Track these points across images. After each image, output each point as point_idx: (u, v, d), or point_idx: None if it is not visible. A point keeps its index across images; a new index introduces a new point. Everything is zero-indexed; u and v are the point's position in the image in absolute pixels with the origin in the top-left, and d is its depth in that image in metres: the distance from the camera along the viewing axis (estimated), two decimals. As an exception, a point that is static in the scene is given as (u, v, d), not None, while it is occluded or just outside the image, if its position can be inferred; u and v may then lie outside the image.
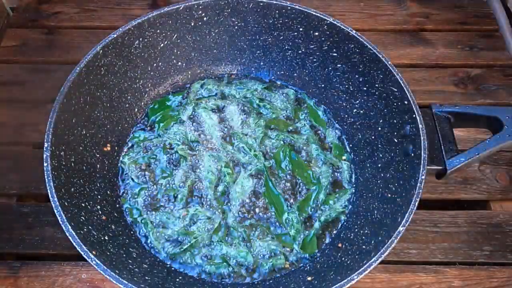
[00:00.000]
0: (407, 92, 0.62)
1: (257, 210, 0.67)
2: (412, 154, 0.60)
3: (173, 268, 0.63)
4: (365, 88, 0.70)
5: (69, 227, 0.53)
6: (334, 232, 0.66)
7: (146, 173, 0.69)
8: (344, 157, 0.72)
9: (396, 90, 0.64)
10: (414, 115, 0.61)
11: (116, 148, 0.71)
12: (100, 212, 0.63)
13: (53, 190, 0.55)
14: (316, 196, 0.68)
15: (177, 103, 0.76)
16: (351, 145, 0.73)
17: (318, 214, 0.67)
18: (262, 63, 0.79)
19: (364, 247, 0.59)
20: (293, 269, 0.63)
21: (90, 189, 0.64)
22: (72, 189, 0.60)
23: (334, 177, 0.70)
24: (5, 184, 0.74)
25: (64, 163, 0.60)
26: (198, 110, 0.75)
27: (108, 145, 0.70)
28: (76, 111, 0.64)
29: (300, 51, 0.75)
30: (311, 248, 0.64)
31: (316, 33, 0.71)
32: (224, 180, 0.68)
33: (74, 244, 0.52)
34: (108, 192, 0.67)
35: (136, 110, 0.74)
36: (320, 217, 0.66)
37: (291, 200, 0.67)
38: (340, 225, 0.67)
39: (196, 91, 0.77)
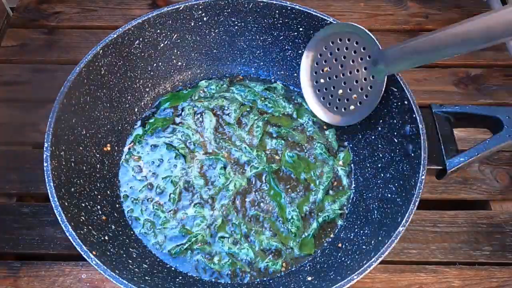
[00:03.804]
0: (407, 92, 0.62)
1: (258, 207, 0.67)
2: (412, 154, 0.60)
3: (173, 268, 0.63)
4: (365, 88, 0.70)
5: (69, 227, 0.53)
6: (334, 232, 0.66)
7: (147, 172, 0.69)
8: (346, 161, 0.72)
9: (396, 90, 0.64)
10: (414, 115, 0.61)
11: (116, 148, 0.71)
12: (100, 212, 0.63)
13: (53, 190, 0.55)
14: (316, 196, 0.68)
15: (183, 102, 0.76)
16: (351, 145, 0.73)
17: (317, 213, 0.67)
18: (262, 63, 0.79)
19: (364, 247, 0.59)
20: (293, 269, 0.63)
21: (90, 189, 0.64)
22: (72, 189, 0.60)
23: (335, 177, 0.70)
24: (5, 184, 0.73)
25: (64, 163, 0.60)
26: (200, 111, 0.75)
27: (108, 145, 0.70)
28: (76, 111, 0.64)
29: (300, 51, 0.75)
30: (309, 248, 0.64)
31: (316, 33, 0.71)
32: (220, 181, 0.68)
33: (74, 244, 0.52)
34: (108, 192, 0.67)
35: (136, 110, 0.74)
36: (319, 217, 0.66)
37: (292, 198, 0.67)
38: (339, 225, 0.67)
39: (201, 90, 0.77)
